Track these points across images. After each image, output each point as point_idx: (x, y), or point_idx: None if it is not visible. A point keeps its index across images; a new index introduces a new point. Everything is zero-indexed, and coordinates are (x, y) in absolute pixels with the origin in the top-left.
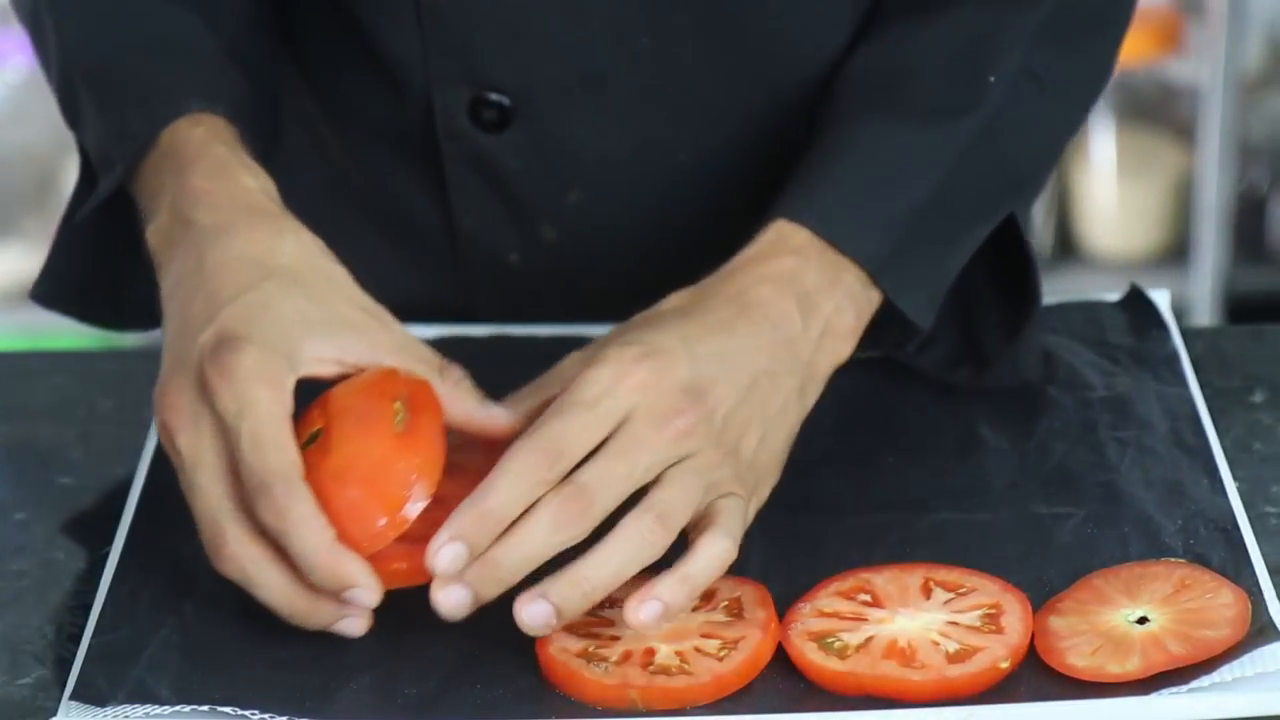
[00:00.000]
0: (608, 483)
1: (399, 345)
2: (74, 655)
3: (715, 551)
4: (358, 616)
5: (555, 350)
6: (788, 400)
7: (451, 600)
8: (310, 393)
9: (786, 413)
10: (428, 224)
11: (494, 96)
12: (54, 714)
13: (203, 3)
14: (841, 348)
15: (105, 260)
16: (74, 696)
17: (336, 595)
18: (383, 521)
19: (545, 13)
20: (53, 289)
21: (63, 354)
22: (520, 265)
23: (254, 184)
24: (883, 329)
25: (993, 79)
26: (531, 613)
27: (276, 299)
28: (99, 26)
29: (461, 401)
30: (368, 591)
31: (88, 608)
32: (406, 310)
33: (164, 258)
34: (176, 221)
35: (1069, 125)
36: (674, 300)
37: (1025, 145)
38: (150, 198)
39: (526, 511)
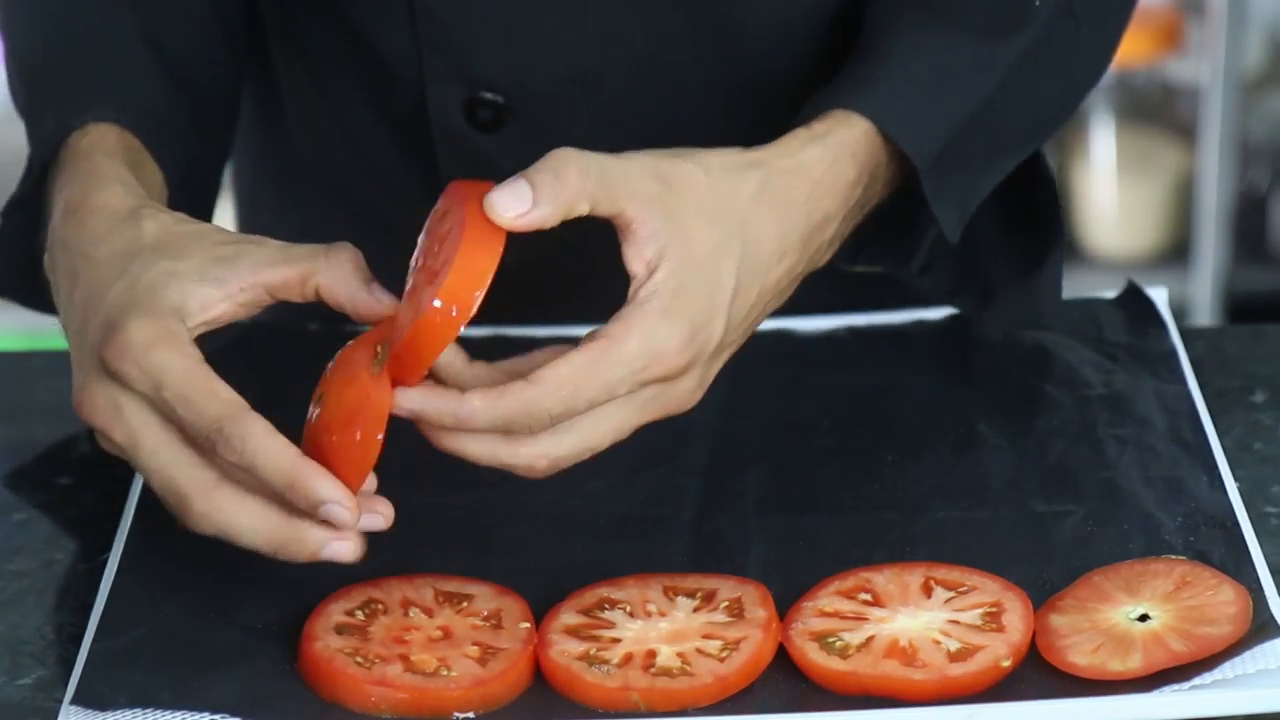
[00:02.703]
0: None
1: (274, 255)
2: (74, 655)
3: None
4: (345, 540)
5: None
6: (760, 318)
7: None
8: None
9: (748, 332)
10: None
11: (489, 96)
12: (54, 714)
13: (146, 6)
14: (824, 260)
15: (40, 246)
16: (74, 701)
17: (315, 516)
18: (358, 435)
19: (539, 12)
20: None
21: (63, 354)
22: (516, 266)
23: (120, 189)
24: (886, 246)
25: (1038, 3)
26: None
27: (144, 273)
28: (40, 25)
29: (345, 284)
30: (341, 506)
31: (88, 608)
32: None
33: (52, 277)
34: (55, 242)
35: (1096, 68)
36: (749, 187)
37: (1058, 80)
38: (50, 204)
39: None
